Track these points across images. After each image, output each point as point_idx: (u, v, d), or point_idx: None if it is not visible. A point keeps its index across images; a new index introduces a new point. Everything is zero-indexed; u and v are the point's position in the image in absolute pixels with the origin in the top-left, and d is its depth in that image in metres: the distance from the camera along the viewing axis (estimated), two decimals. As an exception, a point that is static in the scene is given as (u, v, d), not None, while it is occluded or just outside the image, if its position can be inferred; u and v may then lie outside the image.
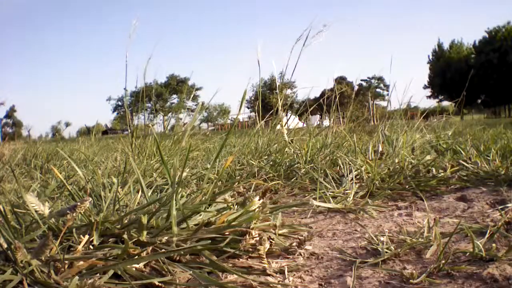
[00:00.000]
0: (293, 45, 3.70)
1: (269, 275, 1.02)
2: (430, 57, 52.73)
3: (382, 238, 1.21)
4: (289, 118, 4.92)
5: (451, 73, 47.65)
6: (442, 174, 2.16)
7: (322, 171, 2.33)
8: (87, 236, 1.06)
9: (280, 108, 3.71)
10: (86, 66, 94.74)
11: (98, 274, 0.93)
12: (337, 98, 4.05)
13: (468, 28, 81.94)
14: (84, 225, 1.17)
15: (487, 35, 47.74)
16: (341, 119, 5.48)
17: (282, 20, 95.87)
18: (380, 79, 54.18)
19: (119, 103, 54.20)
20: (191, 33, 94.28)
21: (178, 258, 1.05)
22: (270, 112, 4.01)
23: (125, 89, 3.51)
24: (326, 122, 4.66)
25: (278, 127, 3.80)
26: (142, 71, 3.27)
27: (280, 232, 1.31)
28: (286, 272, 1.03)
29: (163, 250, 1.05)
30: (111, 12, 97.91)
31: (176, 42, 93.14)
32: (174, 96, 56.60)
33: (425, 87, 51.60)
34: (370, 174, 2.15)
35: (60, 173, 2.04)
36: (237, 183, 2.12)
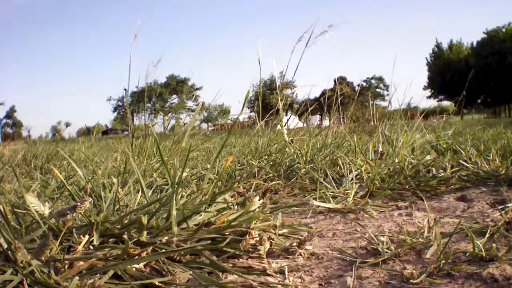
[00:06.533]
0: (294, 45, 3.70)
1: (269, 275, 1.02)
2: (429, 57, 52.63)
3: (382, 238, 1.21)
4: (289, 118, 4.92)
5: (450, 73, 47.54)
6: (442, 174, 2.16)
7: (322, 171, 2.33)
8: (87, 236, 1.06)
9: (280, 108, 3.71)
10: (86, 66, 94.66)
11: (98, 274, 0.93)
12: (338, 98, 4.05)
13: (467, 28, 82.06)
14: (84, 225, 1.17)
15: (486, 36, 47.49)
16: (341, 119, 5.48)
17: (283, 19, 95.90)
18: (380, 79, 54.25)
19: (120, 103, 54.16)
20: (191, 33, 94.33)
21: (178, 258, 1.05)
22: (270, 112, 4.01)
23: (125, 89, 3.50)
24: (326, 122, 4.66)
25: (278, 127, 3.80)
26: (142, 72, 3.26)
27: (280, 232, 1.31)
28: (286, 272, 1.03)
29: (163, 250, 1.05)
30: (111, 12, 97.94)
31: (176, 42, 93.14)
32: (174, 96, 56.56)
33: (424, 88, 51.53)
34: (370, 174, 2.15)
35: (60, 173, 2.04)
36: (237, 183, 2.11)
